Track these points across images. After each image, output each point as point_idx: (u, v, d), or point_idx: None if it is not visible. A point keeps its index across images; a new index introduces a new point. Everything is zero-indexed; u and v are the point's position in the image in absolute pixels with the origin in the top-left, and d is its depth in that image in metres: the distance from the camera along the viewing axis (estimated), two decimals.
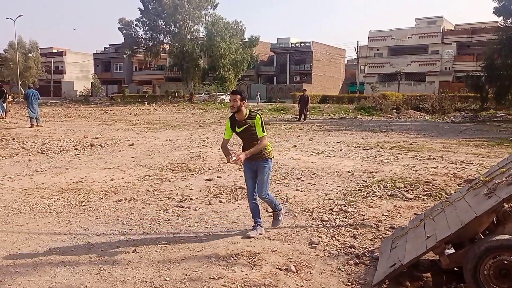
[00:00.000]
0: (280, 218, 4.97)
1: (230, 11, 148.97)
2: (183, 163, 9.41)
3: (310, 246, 4.45)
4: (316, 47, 59.39)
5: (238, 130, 4.65)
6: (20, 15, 61.03)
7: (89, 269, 3.88)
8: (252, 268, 3.91)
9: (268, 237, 4.74)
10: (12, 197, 6.49)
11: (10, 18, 57.06)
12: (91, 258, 4.15)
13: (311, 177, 7.94)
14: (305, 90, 25.36)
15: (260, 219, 4.86)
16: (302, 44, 60.16)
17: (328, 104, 36.70)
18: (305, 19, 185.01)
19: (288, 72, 60.38)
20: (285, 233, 4.88)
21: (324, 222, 5.24)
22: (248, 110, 4.63)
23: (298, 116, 23.60)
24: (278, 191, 6.82)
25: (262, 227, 4.82)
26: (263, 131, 4.58)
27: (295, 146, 12.23)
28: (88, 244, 4.54)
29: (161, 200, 6.37)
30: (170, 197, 6.53)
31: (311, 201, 6.25)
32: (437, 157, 9.92)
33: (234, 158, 4.46)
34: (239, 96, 4.55)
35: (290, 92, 47.78)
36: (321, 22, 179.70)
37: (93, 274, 3.76)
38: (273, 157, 4.84)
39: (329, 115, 27.87)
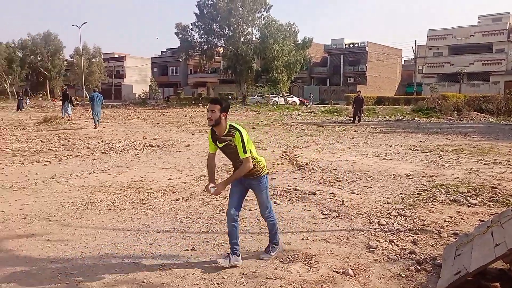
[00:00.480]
0: (272, 253, 4.18)
1: (284, 13, 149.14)
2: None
3: (368, 250, 4.36)
4: (371, 48, 58.09)
5: (219, 145, 3.93)
6: (85, 23, 64.63)
7: (151, 263, 4.04)
8: (309, 270, 3.90)
9: (324, 239, 4.70)
10: (79, 194, 6.88)
11: (76, 25, 60.70)
12: (153, 253, 4.31)
13: (367, 180, 7.77)
14: (360, 91, 24.87)
15: (238, 246, 4.02)
16: (356, 45, 59.08)
17: (384, 106, 35.77)
18: (360, 19, 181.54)
19: (342, 73, 59.52)
20: (342, 236, 4.81)
21: (381, 226, 5.11)
22: (228, 125, 3.84)
23: (352, 118, 23.21)
24: (333, 193, 6.74)
25: (239, 256, 4.01)
26: (245, 152, 3.77)
27: (349, 148, 12.02)
28: (149, 240, 4.72)
29: (217, 200, 6.49)
30: (226, 197, 6.57)
31: (368, 204, 6.12)
32: (503, 161, 9.37)
33: (213, 190, 3.90)
34: (218, 106, 3.75)
35: (344, 94, 47.09)
36: (376, 22, 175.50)
37: (155, 269, 3.91)
38: (267, 173, 4.13)
39: (385, 117, 27.12)
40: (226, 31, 44.47)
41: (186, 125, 21.21)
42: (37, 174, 8.50)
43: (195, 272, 3.84)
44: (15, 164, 9.66)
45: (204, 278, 3.73)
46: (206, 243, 4.61)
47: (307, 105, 40.78)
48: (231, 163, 4.14)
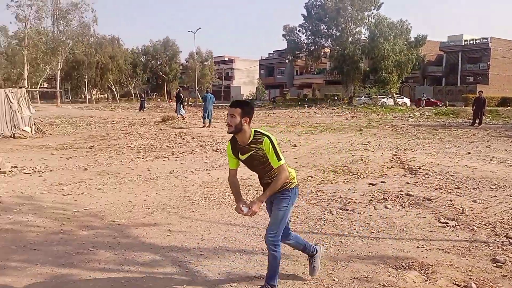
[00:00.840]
0: (315, 266, 3.68)
1: (395, 10, 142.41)
2: (345, 166, 9.36)
3: (494, 264, 3.96)
4: (495, 43, 52.80)
5: (242, 157, 3.34)
6: (199, 28, 69.01)
7: (262, 260, 4.13)
8: (425, 280, 3.67)
9: (442, 249, 4.38)
10: (194, 189, 7.34)
11: (191, 31, 64.99)
12: (263, 250, 4.41)
13: (490, 188, 7.08)
14: (481, 91, 22.75)
15: (309, 245, 3.72)
16: (477, 41, 54.16)
17: (509, 107, 32.25)
18: (484, 12, 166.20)
19: (460, 72, 55.00)
20: (462, 247, 4.44)
21: (510, 240, 4.61)
22: (253, 131, 3.27)
23: (471, 120, 21.33)
24: (451, 200, 6.26)
25: (318, 246, 3.81)
26: (279, 159, 3.20)
27: (469, 153, 11.06)
28: (259, 236, 4.84)
29: (324, 201, 6.44)
30: (334, 199, 6.55)
31: (492, 214, 5.56)
32: None
33: (246, 210, 3.31)
34: (239, 110, 3.20)
35: (461, 94, 43.54)
36: (504, 14, 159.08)
37: (266, 265, 3.99)
38: (297, 186, 3.47)
39: (510, 119, 24.45)
40: (334, 31, 44.02)
41: (292, 126, 21.40)
42: (157, 169, 9.26)
43: (305, 272, 3.85)
44: (139, 159, 10.64)
45: (315, 279, 3.72)
46: (315, 243, 4.58)
47: (440, 106, 37.71)
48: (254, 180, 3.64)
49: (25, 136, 15.69)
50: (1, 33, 61.14)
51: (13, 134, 15.67)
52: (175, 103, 28.61)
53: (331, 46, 45.71)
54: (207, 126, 18.58)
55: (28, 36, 38.90)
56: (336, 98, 45.84)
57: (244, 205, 3.33)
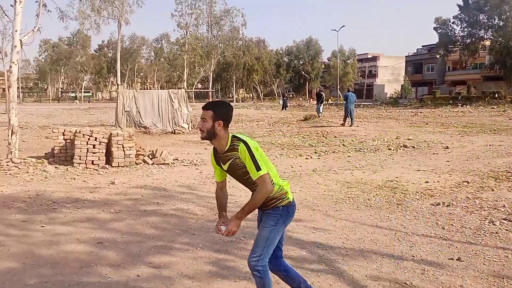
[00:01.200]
0: None
1: None
2: (509, 172, 8.32)
3: None
4: None
5: (224, 167, 2.88)
6: (343, 26, 68.15)
7: (413, 267, 3.91)
8: None
9: None
10: (338, 188, 7.29)
11: (335, 30, 64.69)
12: (414, 256, 4.18)
13: None
14: None
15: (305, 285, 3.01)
16: None
17: None
18: None
19: None
20: None
21: None
22: (231, 137, 2.79)
23: None
24: None
25: None
26: (258, 169, 2.68)
27: None
28: (409, 242, 4.59)
29: (484, 210, 5.81)
30: (495, 208, 5.86)
31: None
32: None
33: (224, 229, 2.83)
34: (210, 113, 2.75)
35: None
36: None
37: (417, 273, 3.77)
38: (289, 203, 2.88)
39: None
40: (496, 21, 39.31)
41: (443, 126, 19.71)
42: (300, 166, 9.44)
43: (462, 285, 3.52)
44: (283, 156, 11.00)
45: None
46: (475, 255, 4.16)
47: None
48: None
49: (183, 132, 17.53)
50: (164, 40, 69.54)
51: (174, 130, 17.63)
52: (315, 102, 28.85)
53: (491, 38, 40.90)
54: (349, 125, 18.27)
55: (188, 42, 43.16)
56: (496, 95, 40.80)
57: (223, 224, 2.88)
